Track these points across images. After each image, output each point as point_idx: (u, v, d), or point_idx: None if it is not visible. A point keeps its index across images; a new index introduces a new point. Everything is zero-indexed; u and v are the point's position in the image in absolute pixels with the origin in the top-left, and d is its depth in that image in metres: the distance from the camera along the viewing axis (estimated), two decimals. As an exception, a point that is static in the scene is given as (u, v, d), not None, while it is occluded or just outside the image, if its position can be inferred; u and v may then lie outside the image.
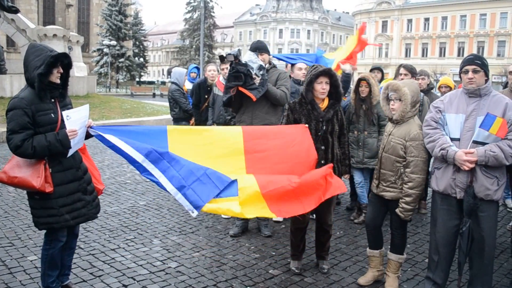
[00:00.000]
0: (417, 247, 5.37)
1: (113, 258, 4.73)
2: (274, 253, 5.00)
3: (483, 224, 3.60)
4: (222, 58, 5.12)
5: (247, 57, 5.06)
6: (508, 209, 6.63)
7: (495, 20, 55.70)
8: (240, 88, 5.00)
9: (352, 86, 6.31)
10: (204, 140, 3.99)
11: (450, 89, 7.24)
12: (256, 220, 5.67)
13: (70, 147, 3.39)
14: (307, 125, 4.30)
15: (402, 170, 3.96)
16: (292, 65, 6.73)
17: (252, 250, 5.07)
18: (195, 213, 3.53)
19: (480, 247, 3.63)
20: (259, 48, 5.51)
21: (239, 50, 5.01)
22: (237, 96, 5.11)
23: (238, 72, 4.91)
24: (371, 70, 7.33)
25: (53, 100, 3.46)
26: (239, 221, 5.58)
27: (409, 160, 3.90)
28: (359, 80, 5.94)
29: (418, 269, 4.74)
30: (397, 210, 4.01)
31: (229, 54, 4.95)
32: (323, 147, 4.34)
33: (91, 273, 4.36)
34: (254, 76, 4.95)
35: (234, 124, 5.59)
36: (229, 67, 5.09)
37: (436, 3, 59.83)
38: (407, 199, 3.93)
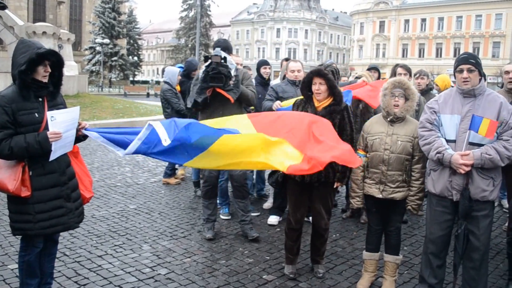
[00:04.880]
0: (414, 249, 5.28)
1: (99, 266, 4.57)
2: (268, 258, 4.89)
3: (478, 223, 3.59)
4: (207, 58, 5.01)
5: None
6: (504, 210, 6.54)
7: (490, 21, 55.83)
8: (219, 90, 4.96)
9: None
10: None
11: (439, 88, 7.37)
12: (240, 226, 5.56)
13: (50, 150, 3.21)
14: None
15: (409, 167, 3.98)
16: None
17: (246, 255, 4.96)
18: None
19: (475, 248, 3.61)
20: (228, 48, 5.49)
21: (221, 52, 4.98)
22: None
23: (220, 74, 4.87)
24: (368, 70, 7.24)
25: (40, 99, 3.30)
26: (209, 223, 5.47)
27: (419, 156, 3.94)
28: (356, 79, 5.84)
29: (414, 272, 4.65)
30: (409, 208, 4.03)
31: (216, 55, 4.89)
32: None
33: (75, 282, 4.18)
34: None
35: None
36: (206, 67, 4.97)
37: (433, 4, 59.95)
38: (421, 194, 3.98)
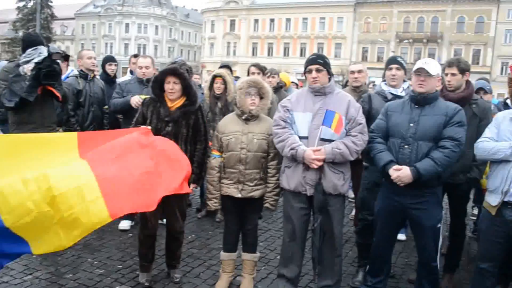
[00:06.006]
0: (269, 244, 5.38)
1: None
2: (120, 267, 4.57)
3: (332, 217, 3.76)
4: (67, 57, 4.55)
5: (44, 52, 4.60)
6: (350, 200, 7.01)
7: (333, 23, 60.27)
8: (50, 87, 4.56)
9: (206, 83, 6.12)
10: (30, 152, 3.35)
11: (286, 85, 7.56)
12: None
13: None
14: (149, 127, 3.95)
15: (265, 165, 4.01)
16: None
17: (96, 265, 4.57)
18: None
19: (330, 240, 3.79)
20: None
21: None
22: None
23: (54, 71, 4.51)
24: (220, 68, 7.20)
25: None
26: None
27: (274, 153, 3.98)
28: (214, 76, 5.76)
29: (271, 267, 4.73)
30: (267, 205, 4.06)
31: (57, 52, 4.54)
32: None
33: None
34: None
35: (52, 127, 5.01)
36: (37, 64, 4.48)
37: (280, 5, 62.81)
38: (277, 190, 4.03)
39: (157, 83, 4.08)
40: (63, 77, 5.75)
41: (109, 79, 6.48)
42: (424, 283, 3.82)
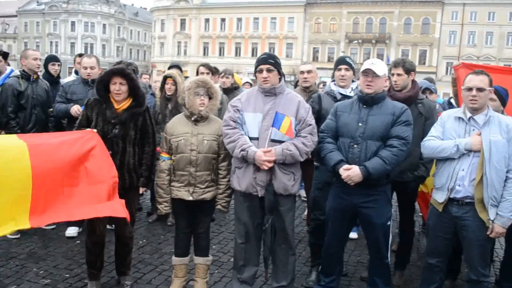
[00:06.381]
0: (222, 247, 5.33)
1: None
2: (68, 275, 4.38)
3: (284, 217, 3.78)
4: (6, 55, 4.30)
5: None
6: (303, 199, 7.06)
7: (284, 23, 60.70)
8: None
9: (157, 83, 6.02)
10: None
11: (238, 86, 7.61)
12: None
13: None
14: (95, 130, 3.81)
15: (216, 166, 3.97)
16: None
17: (42, 275, 4.36)
18: None
19: (284, 239, 3.82)
20: None
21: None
22: None
23: None
24: (169, 68, 7.07)
25: None
26: None
27: (225, 154, 3.93)
28: (165, 77, 5.65)
29: (225, 270, 4.68)
30: (219, 207, 4.02)
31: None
32: (110, 152, 3.81)
33: None
34: None
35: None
36: None
37: (231, 4, 62.71)
38: (229, 191, 3.99)
39: (102, 84, 3.93)
40: (2, 76, 5.49)
41: (52, 80, 6.21)
42: (376, 280, 3.88)
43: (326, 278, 4.04)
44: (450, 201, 3.57)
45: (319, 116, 4.24)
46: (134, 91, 3.95)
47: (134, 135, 3.99)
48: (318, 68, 6.95)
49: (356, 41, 56.19)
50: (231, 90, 6.72)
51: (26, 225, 3.22)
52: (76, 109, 5.05)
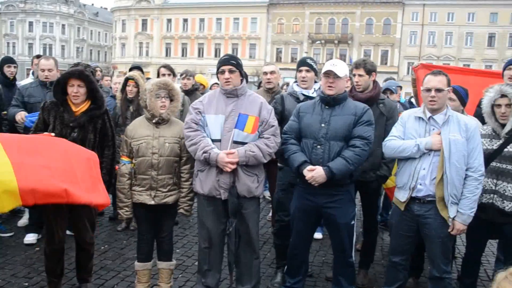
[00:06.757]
0: (186, 251, 5.27)
1: None
2: (27, 284, 4.23)
3: (247, 220, 3.76)
4: None
5: None
6: (267, 198, 7.04)
7: (247, 24, 60.78)
8: None
9: (117, 85, 5.91)
10: None
11: (204, 87, 7.68)
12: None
13: None
14: (53, 134, 3.69)
15: (178, 169, 3.91)
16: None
17: (-2, 285, 4.20)
18: None
19: (247, 243, 3.79)
20: None
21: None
22: None
23: None
24: (130, 69, 6.94)
25: None
26: None
27: (187, 157, 3.88)
28: (127, 79, 5.54)
29: (189, 274, 4.63)
30: (181, 211, 3.95)
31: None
32: None
33: None
34: None
35: None
36: None
37: (193, 5, 62.32)
38: (191, 195, 3.93)
39: (60, 86, 3.81)
40: None
41: (8, 82, 6.00)
42: (341, 279, 3.89)
43: (291, 279, 4.04)
44: (412, 200, 3.62)
45: (282, 117, 4.25)
46: (93, 93, 3.85)
47: (93, 138, 3.89)
48: (281, 69, 6.97)
49: (319, 42, 56.79)
50: (192, 92, 6.66)
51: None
52: (19, 117, 4.90)
